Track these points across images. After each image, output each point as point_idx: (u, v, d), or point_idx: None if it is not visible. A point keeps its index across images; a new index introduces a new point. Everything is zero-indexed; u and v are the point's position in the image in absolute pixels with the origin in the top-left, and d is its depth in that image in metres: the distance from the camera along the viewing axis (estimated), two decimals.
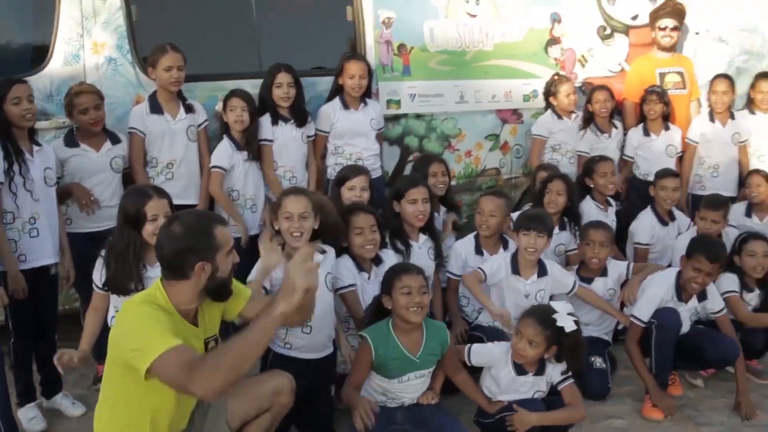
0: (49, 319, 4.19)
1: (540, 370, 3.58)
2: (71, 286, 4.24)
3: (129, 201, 3.51)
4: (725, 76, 5.90)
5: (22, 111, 3.87)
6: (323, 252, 3.82)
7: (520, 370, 3.57)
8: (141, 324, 2.61)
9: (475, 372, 3.79)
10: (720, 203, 4.96)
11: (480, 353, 3.71)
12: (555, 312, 3.51)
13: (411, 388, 3.55)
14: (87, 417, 4.11)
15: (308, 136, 4.96)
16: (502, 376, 3.61)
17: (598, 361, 4.38)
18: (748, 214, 5.34)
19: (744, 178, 5.66)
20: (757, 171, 5.49)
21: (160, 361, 2.49)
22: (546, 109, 5.80)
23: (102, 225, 4.29)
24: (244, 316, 3.09)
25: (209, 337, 2.92)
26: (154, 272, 3.50)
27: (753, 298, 4.54)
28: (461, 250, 4.58)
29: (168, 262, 2.75)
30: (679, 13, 6.00)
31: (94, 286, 3.63)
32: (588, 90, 5.87)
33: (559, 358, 3.55)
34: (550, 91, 5.73)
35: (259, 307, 2.96)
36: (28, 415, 4.02)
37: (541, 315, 3.52)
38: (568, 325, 3.46)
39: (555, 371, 3.59)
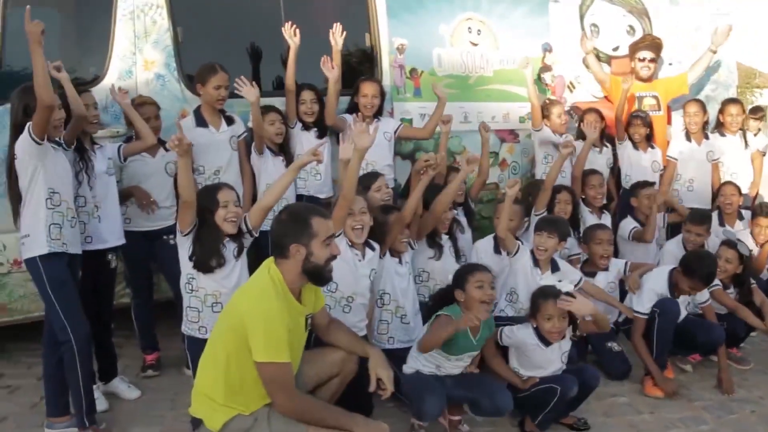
0: (107, 308, 4.57)
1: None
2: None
3: (204, 194, 3.95)
4: (695, 100, 6.55)
5: (90, 117, 4.28)
6: (373, 249, 4.31)
7: (545, 342, 4.09)
8: (272, 323, 3.13)
9: None
10: (705, 218, 5.55)
11: (509, 336, 4.21)
12: (557, 285, 4.07)
13: (461, 365, 4.04)
14: (143, 399, 4.56)
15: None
16: (530, 351, 4.12)
17: (615, 346, 4.95)
18: (721, 223, 5.95)
19: (717, 189, 6.26)
20: (729, 182, 6.12)
21: (268, 366, 3.10)
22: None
23: (158, 224, 4.77)
24: (314, 322, 3.58)
25: (309, 314, 3.46)
26: (225, 251, 3.95)
27: (731, 294, 5.13)
28: (481, 250, 5.13)
29: (275, 242, 3.31)
30: (656, 47, 6.64)
31: None
32: (579, 113, 6.44)
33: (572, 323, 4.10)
34: (543, 114, 6.23)
35: (325, 324, 3.69)
36: None
37: (554, 294, 4.02)
38: (570, 289, 4.04)
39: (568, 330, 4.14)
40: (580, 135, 6.27)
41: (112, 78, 4.90)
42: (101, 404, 4.30)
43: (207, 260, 3.88)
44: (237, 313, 3.18)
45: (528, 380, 4.12)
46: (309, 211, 3.36)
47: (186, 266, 3.99)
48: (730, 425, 4.30)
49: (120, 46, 4.94)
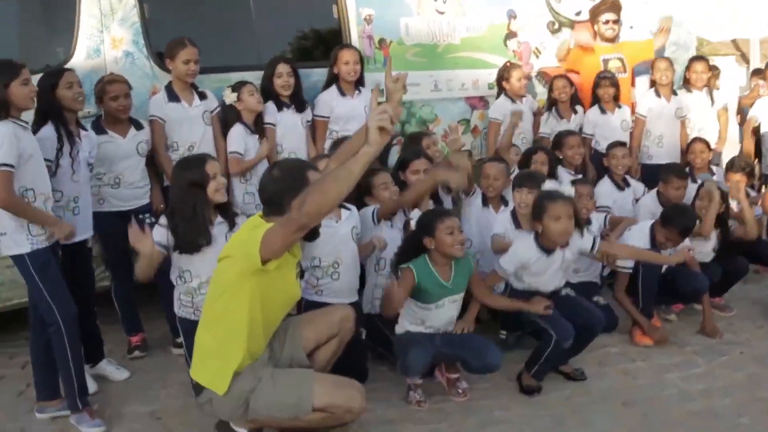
0: (89, 289, 4.44)
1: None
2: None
3: (188, 169, 3.83)
4: (664, 57, 6.62)
5: (75, 94, 4.10)
6: (348, 209, 4.31)
7: (547, 251, 4.12)
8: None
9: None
10: (684, 172, 5.63)
11: (509, 259, 4.23)
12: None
13: (445, 313, 4.03)
14: (132, 380, 4.48)
15: (307, 121, 5.39)
16: (533, 263, 4.15)
17: (600, 300, 4.97)
18: (693, 178, 6.00)
19: (687, 145, 6.34)
20: (699, 139, 6.18)
21: (270, 228, 3.02)
22: (498, 95, 6.29)
23: (132, 203, 4.67)
24: None
25: (297, 262, 3.44)
26: (215, 229, 3.89)
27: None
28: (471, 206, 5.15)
29: (269, 200, 3.24)
30: (617, 8, 6.73)
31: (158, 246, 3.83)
32: (548, 79, 6.50)
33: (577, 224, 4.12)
34: (503, 77, 6.21)
35: None
36: None
37: (560, 194, 4.09)
38: (568, 191, 4.15)
39: (581, 243, 4.21)
40: (550, 102, 6.34)
41: (80, 57, 4.78)
42: (91, 386, 4.18)
43: (195, 239, 3.77)
44: (228, 251, 3.23)
45: (536, 302, 4.10)
46: (303, 165, 3.34)
47: (177, 259, 3.90)
48: (723, 366, 4.39)
49: (86, 24, 4.81)
